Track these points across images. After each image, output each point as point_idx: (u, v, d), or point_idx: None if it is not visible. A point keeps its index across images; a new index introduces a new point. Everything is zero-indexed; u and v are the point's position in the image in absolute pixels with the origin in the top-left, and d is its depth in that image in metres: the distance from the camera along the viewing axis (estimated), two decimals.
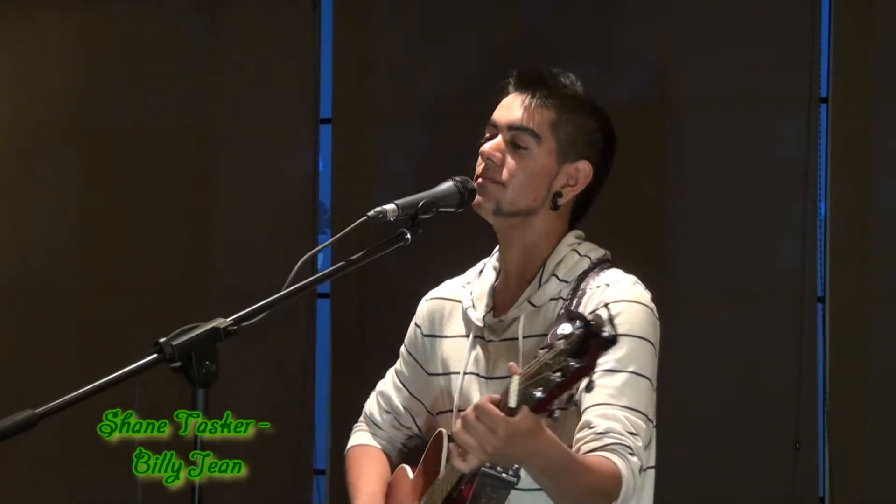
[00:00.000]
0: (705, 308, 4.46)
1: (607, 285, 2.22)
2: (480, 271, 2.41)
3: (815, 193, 4.37)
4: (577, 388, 1.93)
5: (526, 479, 2.05)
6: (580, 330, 1.83)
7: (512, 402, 1.88)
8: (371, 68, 4.88)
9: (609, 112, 2.36)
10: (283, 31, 4.94)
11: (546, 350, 1.87)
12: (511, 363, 1.99)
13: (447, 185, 2.26)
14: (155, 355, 1.91)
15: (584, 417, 2.11)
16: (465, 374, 2.32)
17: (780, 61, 4.42)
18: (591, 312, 1.87)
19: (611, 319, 1.82)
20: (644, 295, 2.23)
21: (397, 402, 2.49)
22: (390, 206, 2.16)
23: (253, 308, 2.02)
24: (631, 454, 2.07)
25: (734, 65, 4.47)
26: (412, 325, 2.48)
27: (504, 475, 2.01)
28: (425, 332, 2.44)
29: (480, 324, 2.32)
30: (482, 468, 2.00)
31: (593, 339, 1.82)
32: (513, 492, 2.04)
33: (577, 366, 1.83)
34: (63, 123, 5.13)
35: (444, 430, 2.27)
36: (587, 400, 2.12)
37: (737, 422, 4.41)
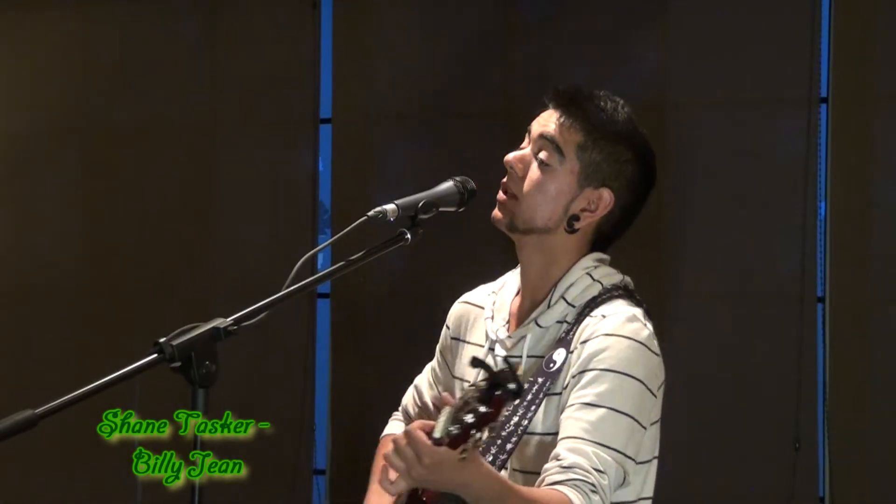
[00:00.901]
0: (705, 308, 4.45)
1: (603, 317, 2.17)
2: (506, 282, 2.39)
3: (815, 193, 4.36)
4: (484, 432, 1.92)
5: None
6: (484, 381, 1.86)
7: (436, 433, 1.89)
8: (371, 68, 4.88)
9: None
10: (283, 31, 4.94)
11: (472, 388, 1.89)
12: (445, 394, 2.00)
13: (447, 185, 2.26)
14: (155, 355, 1.90)
15: (556, 448, 2.09)
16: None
17: (780, 61, 4.42)
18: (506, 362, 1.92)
19: (513, 372, 1.85)
20: (639, 331, 2.16)
21: (427, 398, 2.49)
22: (390, 206, 2.15)
23: (253, 308, 2.02)
24: (593, 492, 2.03)
25: (734, 65, 4.46)
26: (444, 325, 2.47)
27: None
28: (452, 335, 2.43)
29: (494, 337, 2.31)
30: None
31: (499, 390, 1.84)
32: None
33: (483, 411, 1.85)
34: (63, 123, 5.13)
35: None
36: (562, 431, 2.11)
37: (737, 422, 4.41)
